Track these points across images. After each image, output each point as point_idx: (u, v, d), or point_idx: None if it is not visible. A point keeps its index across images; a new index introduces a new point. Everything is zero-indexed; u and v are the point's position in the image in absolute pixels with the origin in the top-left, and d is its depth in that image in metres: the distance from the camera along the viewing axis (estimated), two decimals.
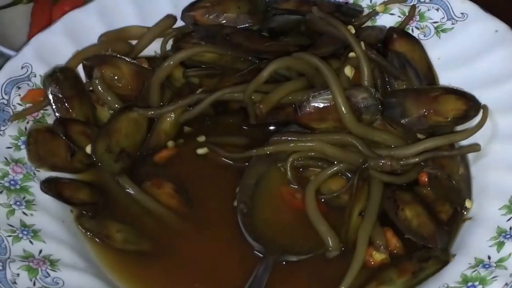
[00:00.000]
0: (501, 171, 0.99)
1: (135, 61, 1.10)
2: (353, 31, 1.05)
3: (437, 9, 1.12)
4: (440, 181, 0.98)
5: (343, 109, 0.98)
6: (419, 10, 1.13)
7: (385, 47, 1.09)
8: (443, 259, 0.94)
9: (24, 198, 1.00)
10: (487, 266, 0.91)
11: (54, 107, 1.05)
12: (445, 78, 1.09)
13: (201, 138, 1.06)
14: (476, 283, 0.89)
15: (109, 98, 1.07)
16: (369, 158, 0.97)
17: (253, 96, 1.03)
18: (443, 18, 1.11)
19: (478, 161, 1.02)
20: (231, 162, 1.04)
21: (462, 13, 1.10)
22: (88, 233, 0.99)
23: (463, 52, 1.08)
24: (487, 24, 1.08)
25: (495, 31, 1.07)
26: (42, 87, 1.08)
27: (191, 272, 0.97)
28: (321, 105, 0.99)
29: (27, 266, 0.93)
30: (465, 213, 0.99)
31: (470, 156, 1.03)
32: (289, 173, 1.00)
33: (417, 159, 0.98)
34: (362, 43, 1.03)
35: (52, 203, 1.00)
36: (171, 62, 1.07)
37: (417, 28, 1.12)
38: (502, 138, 1.01)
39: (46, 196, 1.00)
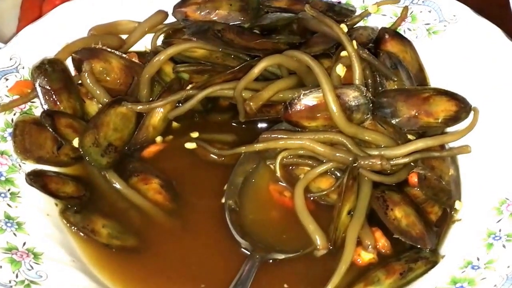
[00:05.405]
0: (491, 173, 0.99)
1: (125, 56, 1.09)
2: (345, 29, 1.05)
3: (430, 11, 1.12)
4: (430, 182, 0.98)
5: (333, 107, 0.97)
6: (411, 12, 1.13)
7: (377, 47, 1.09)
8: (432, 260, 0.93)
9: (9, 190, 0.98)
10: (476, 267, 0.90)
11: (41, 99, 1.04)
12: (437, 79, 1.09)
13: (195, 134, 1.06)
14: (465, 284, 0.89)
15: (98, 92, 1.06)
16: (359, 157, 0.96)
17: (244, 93, 1.02)
18: (435, 20, 1.11)
19: (468, 163, 1.01)
20: (220, 159, 1.03)
21: (454, 15, 1.10)
22: (73, 227, 0.98)
23: (454, 54, 1.09)
24: (478, 27, 1.08)
25: (487, 34, 1.07)
26: (30, 79, 1.06)
27: (176, 268, 0.96)
28: (312, 103, 0.99)
29: (10, 258, 0.91)
30: (454, 214, 0.98)
31: (460, 157, 1.02)
32: (278, 171, 0.99)
33: (407, 159, 0.97)
34: (354, 42, 1.02)
35: (37, 196, 0.99)
36: (162, 57, 1.06)
37: (409, 29, 1.12)
38: (492, 140, 1.01)
39: (31, 189, 0.98)
